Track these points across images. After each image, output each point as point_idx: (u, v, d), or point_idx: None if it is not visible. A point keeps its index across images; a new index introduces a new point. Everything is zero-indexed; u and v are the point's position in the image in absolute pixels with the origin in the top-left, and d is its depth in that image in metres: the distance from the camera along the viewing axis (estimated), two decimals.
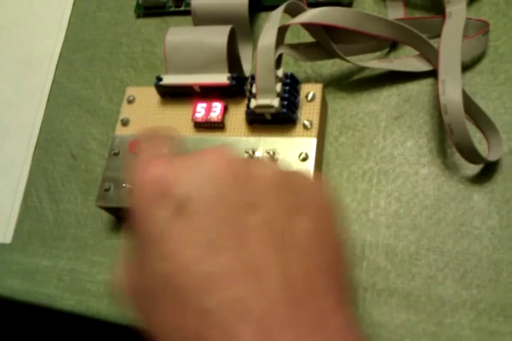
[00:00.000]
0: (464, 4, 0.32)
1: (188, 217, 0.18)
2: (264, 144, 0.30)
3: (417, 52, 0.32)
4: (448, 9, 0.32)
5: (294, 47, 0.32)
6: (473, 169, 0.29)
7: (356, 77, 0.34)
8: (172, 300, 0.18)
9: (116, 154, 0.32)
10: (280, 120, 0.30)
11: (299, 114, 0.30)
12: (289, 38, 0.34)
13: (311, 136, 0.30)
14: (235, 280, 0.17)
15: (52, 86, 0.41)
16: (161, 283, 0.18)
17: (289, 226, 0.19)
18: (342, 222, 0.22)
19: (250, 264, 0.18)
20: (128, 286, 0.20)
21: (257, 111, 0.29)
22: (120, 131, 0.33)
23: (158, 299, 0.18)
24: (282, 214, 0.19)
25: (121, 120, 0.33)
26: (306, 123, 0.30)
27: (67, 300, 0.32)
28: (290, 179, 0.20)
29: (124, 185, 0.31)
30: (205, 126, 0.32)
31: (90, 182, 0.36)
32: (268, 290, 0.17)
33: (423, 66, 0.32)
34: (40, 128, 0.39)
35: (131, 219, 0.20)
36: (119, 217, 0.33)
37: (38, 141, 0.39)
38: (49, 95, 0.40)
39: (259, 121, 0.31)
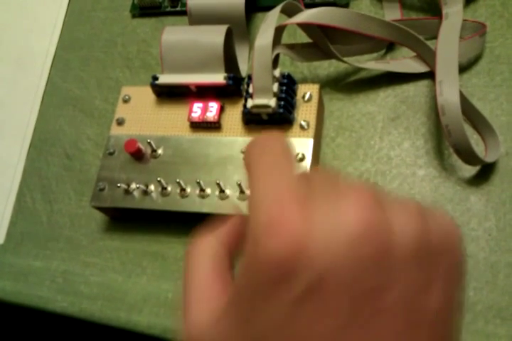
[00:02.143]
0: (460, 6, 0.32)
1: (319, 298, 0.15)
2: None
3: (414, 54, 0.32)
4: (445, 10, 0.32)
5: (291, 47, 0.32)
6: (470, 171, 0.29)
7: (353, 78, 0.33)
8: None
9: (111, 154, 0.32)
10: (277, 120, 0.30)
11: (295, 115, 0.30)
12: (285, 39, 0.33)
13: (307, 136, 0.29)
14: None
15: (46, 86, 0.40)
16: None
17: (421, 302, 0.16)
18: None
19: None
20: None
21: (254, 111, 0.29)
22: (115, 130, 0.33)
23: None
24: (417, 288, 0.16)
25: (117, 119, 0.33)
26: (303, 123, 0.30)
27: (60, 302, 0.32)
28: (431, 234, 0.16)
29: (118, 185, 0.30)
30: (201, 126, 0.31)
31: (85, 182, 0.35)
32: None
33: (420, 67, 0.32)
34: (35, 128, 0.39)
35: (248, 275, 0.16)
36: (114, 217, 0.33)
37: (32, 140, 0.38)
38: (43, 95, 0.40)
39: (256, 121, 0.30)
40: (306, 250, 0.15)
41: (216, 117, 0.31)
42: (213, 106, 0.31)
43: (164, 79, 0.32)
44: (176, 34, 0.32)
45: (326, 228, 0.15)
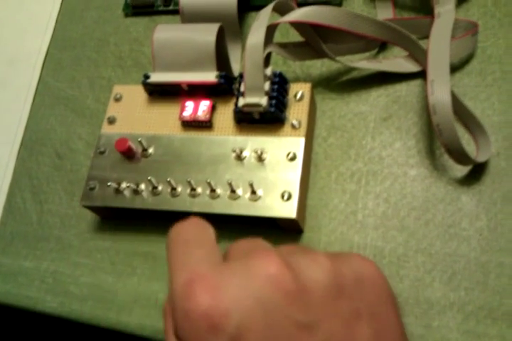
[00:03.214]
0: (452, 5, 0.32)
1: None
2: (252, 143, 0.30)
3: (406, 53, 0.32)
4: (437, 10, 0.32)
5: (283, 46, 0.32)
6: (461, 170, 0.29)
7: (345, 77, 0.33)
8: None
9: (102, 153, 0.32)
10: (268, 119, 0.30)
11: (287, 114, 0.30)
12: (278, 38, 0.33)
13: (299, 135, 0.29)
14: None
15: (38, 85, 0.40)
16: None
17: (349, 337, 0.17)
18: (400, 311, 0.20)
19: None
20: None
21: (246, 109, 0.29)
22: (106, 129, 0.33)
23: None
24: (340, 328, 0.17)
25: (108, 118, 0.33)
26: (295, 122, 0.29)
27: (50, 303, 0.32)
28: (343, 276, 0.19)
29: (108, 184, 0.30)
30: (192, 124, 0.31)
31: (75, 182, 0.35)
32: None
33: (412, 67, 0.32)
34: (25, 128, 0.39)
35: None
36: (104, 217, 0.33)
37: (22, 140, 0.38)
38: (35, 94, 0.40)
39: (247, 120, 0.30)
40: (216, 313, 0.16)
41: (208, 116, 0.31)
42: (205, 105, 0.31)
43: (156, 77, 0.32)
44: (167, 32, 0.32)
45: (233, 290, 0.17)
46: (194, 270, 0.18)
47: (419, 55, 0.31)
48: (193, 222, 0.21)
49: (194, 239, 0.20)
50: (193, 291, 0.17)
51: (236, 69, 0.35)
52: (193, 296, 0.17)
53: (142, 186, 0.30)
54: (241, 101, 0.29)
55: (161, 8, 0.39)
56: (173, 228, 0.21)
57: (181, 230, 0.21)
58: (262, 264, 0.18)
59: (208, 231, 0.21)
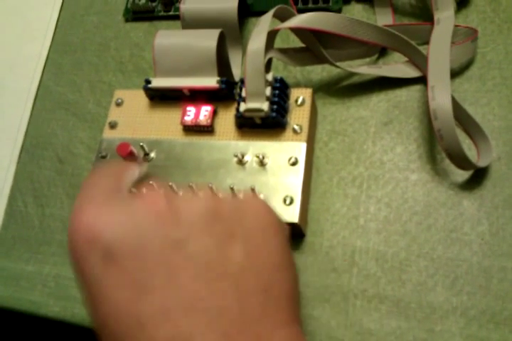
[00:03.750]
0: (452, 11, 0.32)
1: (115, 262, 0.19)
2: (254, 148, 0.30)
3: (406, 59, 0.32)
4: (436, 16, 0.32)
5: (284, 51, 0.32)
6: (462, 175, 0.29)
7: (346, 82, 0.33)
8: None
9: (103, 157, 0.32)
10: (270, 124, 0.30)
11: (288, 119, 0.30)
12: (278, 43, 0.34)
13: (300, 140, 0.29)
14: (167, 317, 0.18)
15: (38, 89, 0.40)
16: (101, 326, 0.19)
17: (220, 257, 0.19)
18: (286, 239, 0.22)
19: (182, 300, 0.18)
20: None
21: (247, 114, 0.29)
22: (108, 133, 0.33)
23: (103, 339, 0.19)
24: (211, 246, 0.19)
25: (109, 123, 0.33)
26: (296, 127, 0.30)
27: (52, 307, 0.32)
28: (221, 206, 0.21)
29: None
30: (194, 129, 0.31)
31: (77, 186, 0.35)
32: (201, 322, 0.17)
33: (412, 72, 0.32)
34: (26, 132, 0.39)
35: (71, 262, 0.21)
36: None
37: (23, 144, 0.38)
38: (35, 98, 0.40)
39: (249, 125, 0.30)
40: (95, 229, 0.20)
41: (209, 121, 0.31)
42: (206, 110, 0.31)
43: (157, 82, 0.32)
44: (168, 38, 0.32)
45: (115, 214, 0.20)
46: (94, 195, 0.22)
47: (419, 60, 0.32)
48: (116, 165, 0.26)
49: (108, 176, 0.24)
50: (82, 211, 0.21)
51: (237, 74, 0.35)
52: (80, 215, 0.20)
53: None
54: (242, 107, 0.29)
55: (162, 13, 0.40)
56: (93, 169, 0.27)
57: (102, 169, 0.25)
58: (144, 197, 0.21)
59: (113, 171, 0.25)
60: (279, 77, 0.30)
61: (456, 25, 0.31)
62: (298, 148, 0.29)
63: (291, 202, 0.28)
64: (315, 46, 0.32)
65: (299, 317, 0.21)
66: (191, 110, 0.31)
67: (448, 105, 0.27)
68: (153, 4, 0.40)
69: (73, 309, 0.31)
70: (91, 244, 0.19)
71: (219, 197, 0.22)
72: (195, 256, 0.19)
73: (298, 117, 0.30)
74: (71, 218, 0.21)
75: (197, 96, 0.32)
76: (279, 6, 0.31)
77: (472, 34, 0.31)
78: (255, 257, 0.20)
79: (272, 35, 0.31)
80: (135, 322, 0.18)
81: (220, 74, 0.31)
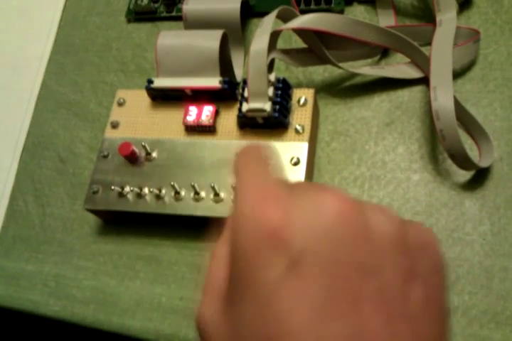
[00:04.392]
0: (454, 13, 0.32)
1: (301, 275, 0.16)
2: None
3: (408, 60, 0.32)
4: (438, 17, 0.32)
5: (286, 52, 0.32)
6: (464, 175, 0.29)
7: (348, 83, 0.34)
8: None
9: (105, 156, 0.32)
10: (272, 124, 0.30)
11: (290, 119, 0.30)
12: (281, 44, 0.34)
13: (302, 140, 0.29)
14: None
15: (41, 89, 0.40)
16: None
17: (404, 294, 0.17)
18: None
19: (361, 333, 0.16)
20: (210, 329, 0.18)
21: (249, 115, 0.29)
22: (110, 133, 0.33)
23: None
24: (398, 281, 0.17)
25: (111, 122, 0.33)
26: (298, 127, 0.30)
27: (52, 306, 0.32)
28: (408, 235, 0.18)
29: (112, 187, 0.30)
30: (196, 129, 0.31)
31: (78, 186, 0.35)
32: None
33: (414, 73, 0.32)
34: (28, 132, 0.39)
35: (234, 264, 0.17)
36: (107, 220, 0.33)
37: (25, 144, 0.38)
38: (37, 98, 0.40)
39: (251, 125, 0.30)
40: (284, 232, 0.16)
41: (211, 121, 0.31)
42: (208, 110, 0.31)
43: (159, 82, 0.32)
44: (171, 38, 0.32)
45: (304, 216, 0.16)
46: (267, 189, 0.17)
47: (421, 61, 0.32)
48: (264, 147, 0.20)
49: (265, 161, 0.19)
50: (265, 206, 0.16)
51: (239, 74, 0.35)
52: (264, 211, 0.16)
53: (145, 190, 0.30)
54: (245, 107, 0.29)
55: (164, 14, 0.40)
56: (243, 149, 0.20)
57: (253, 152, 0.20)
58: (334, 199, 0.17)
59: (279, 157, 0.21)
60: (281, 78, 0.30)
61: (458, 27, 0.31)
62: (300, 148, 0.29)
63: None
64: (317, 47, 0.32)
65: None
66: (193, 110, 0.31)
67: (450, 105, 0.27)
68: (156, 5, 0.40)
69: (73, 308, 0.31)
70: (278, 249, 0.16)
71: (404, 222, 0.18)
72: (382, 289, 0.16)
73: (300, 117, 0.30)
74: (250, 212, 0.17)
75: (199, 96, 0.32)
76: (282, 6, 0.31)
77: (474, 35, 0.31)
78: (433, 300, 0.18)
79: (274, 36, 0.31)
80: None
81: (222, 75, 0.31)
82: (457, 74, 0.31)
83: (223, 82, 0.31)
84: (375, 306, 0.16)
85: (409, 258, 0.17)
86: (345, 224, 0.16)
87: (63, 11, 0.43)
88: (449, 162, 0.29)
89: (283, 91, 0.30)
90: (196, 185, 0.29)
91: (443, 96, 0.28)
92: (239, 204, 0.17)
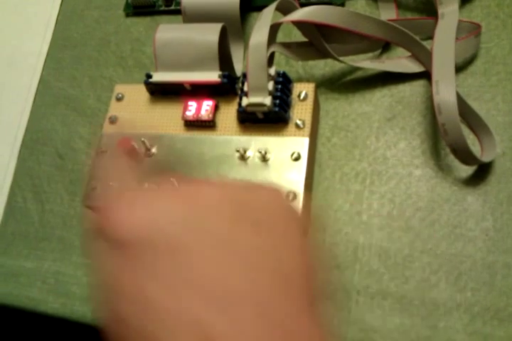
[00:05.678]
0: (456, 6, 0.32)
1: (125, 249, 0.19)
2: (256, 143, 0.30)
3: (409, 54, 0.32)
4: (440, 10, 0.32)
5: (286, 45, 0.32)
6: (466, 170, 0.28)
7: (348, 77, 0.33)
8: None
9: (103, 152, 0.32)
10: (272, 119, 0.29)
11: (291, 113, 0.30)
12: (281, 38, 0.33)
13: (303, 135, 0.29)
14: (176, 296, 0.18)
15: (39, 84, 0.40)
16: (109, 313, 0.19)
17: (232, 236, 0.19)
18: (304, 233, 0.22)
19: (191, 282, 0.18)
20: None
21: (249, 109, 0.29)
22: (108, 128, 0.33)
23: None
24: (224, 227, 0.19)
25: (110, 118, 0.33)
26: (299, 122, 0.29)
27: (52, 303, 0.31)
28: (238, 194, 0.21)
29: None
30: (195, 124, 0.31)
31: (77, 182, 0.35)
32: (210, 305, 0.17)
33: (415, 67, 0.32)
34: (27, 128, 0.38)
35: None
36: None
37: (23, 140, 0.38)
38: (36, 94, 0.39)
39: (251, 120, 0.30)
40: (124, 223, 0.19)
41: (211, 116, 0.30)
42: (208, 105, 0.31)
43: (158, 77, 0.32)
44: (169, 32, 0.32)
45: (139, 214, 0.19)
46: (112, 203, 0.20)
47: (422, 55, 0.31)
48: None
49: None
50: (107, 216, 0.20)
51: (238, 69, 0.34)
52: (105, 219, 0.19)
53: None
54: (245, 101, 0.29)
55: (163, 8, 0.39)
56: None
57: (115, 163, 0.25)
58: (163, 201, 0.20)
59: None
60: (281, 72, 0.29)
61: (459, 20, 0.31)
62: (300, 143, 0.29)
63: (294, 197, 0.28)
64: (318, 40, 0.31)
65: (315, 308, 0.20)
66: (193, 105, 0.31)
67: (452, 99, 0.27)
68: None
69: (73, 306, 0.31)
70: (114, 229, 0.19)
71: (235, 184, 0.22)
72: (207, 236, 0.19)
73: (300, 112, 0.30)
74: (107, 219, 0.20)
75: (198, 90, 0.31)
76: None
77: (476, 29, 0.31)
78: (267, 237, 0.20)
79: (274, 29, 0.30)
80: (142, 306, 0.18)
81: (221, 69, 0.31)
82: (459, 69, 0.31)
83: (223, 76, 0.30)
84: (202, 254, 0.18)
85: (234, 206, 0.20)
86: (169, 198, 0.20)
87: (61, 5, 0.43)
88: (451, 157, 0.28)
89: (283, 86, 0.29)
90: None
91: (445, 90, 0.27)
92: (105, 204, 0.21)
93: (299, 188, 0.28)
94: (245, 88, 0.29)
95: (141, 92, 0.33)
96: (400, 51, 0.33)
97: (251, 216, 0.20)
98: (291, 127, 0.30)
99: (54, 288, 0.32)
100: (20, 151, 0.37)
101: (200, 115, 0.30)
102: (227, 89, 0.31)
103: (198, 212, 0.20)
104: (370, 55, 0.33)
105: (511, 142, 0.28)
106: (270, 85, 0.29)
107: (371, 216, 0.29)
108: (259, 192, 0.22)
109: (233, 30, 0.34)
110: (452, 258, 0.27)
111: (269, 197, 0.22)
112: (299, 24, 0.31)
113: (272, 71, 0.29)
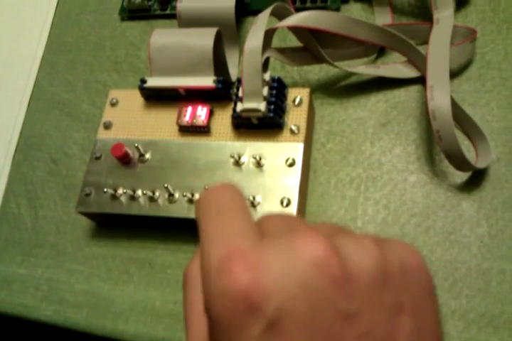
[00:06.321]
0: (451, 11, 0.32)
1: (280, 335, 0.15)
2: (251, 149, 0.29)
3: (405, 59, 0.32)
4: (435, 16, 0.32)
5: (281, 51, 0.32)
6: (461, 176, 0.28)
7: (343, 83, 0.33)
8: None
9: (98, 158, 0.31)
10: (267, 124, 0.29)
11: (286, 119, 0.30)
12: (276, 43, 0.33)
13: (298, 141, 0.29)
14: None
15: (33, 89, 0.40)
16: None
17: (391, 331, 0.16)
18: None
19: None
20: None
21: (244, 115, 0.29)
22: (102, 134, 0.32)
23: None
24: (383, 320, 0.16)
25: (104, 123, 0.33)
26: (293, 128, 0.29)
27: (45, 311, 0.31)
28: (388, 263, 0.17)
29: (105, 190, 0.30)
30: (190, 130, 0.31)
31: (71, 188, 0.35)
32: None
33: (410, 72, 0.32)
34: (20, 133, 0.38)
35: (210, 327, 0.16)
36: (100, 223, 0.32)
37: (17, 145, 0.38)
38: (30, 99, 0.39)
39: (246, 126, 0.30)
40: (257, 294, 0.15)
41: (205, 121, 0.30)
42: (202, 110, 0.30)
43: (153, 82, 0.31)
44: (164, 36, 0.32)
45: (276, 270, 0.15)
46: (232, 244, 0.16)
47: (417, 60, 0.31)
48: (226, 188, 0.19)
49: (228, 207, 0.18)
50: (231, 267, 0.16)
51: (234, 74, 0.34)
52: (231, 273, 0.15)
53: (139, 192, 0.30)
54: (239, 107, 0.29)
55: (158, 12, 0.39)
56: (203, 194, 0.19)
57: (213, 197, 0.19)
58: (308, 245, 0.16)
59: (242, 198, 0.19)
60: (276, 77, 0.29)
61: (455, 26, 0.31)
62: (295, 149, 0.29)
63: (289, 203, 0.27)
64: (313, 45, 0.31)
65: None
66: (187, 110, 0.31)
67: (447, 105, 0.27)
68: (150, 3, 0.39)
69: (66, 313, 0.31)
70: (253, 313, 0.15)
71: (383, 251, 0.17)
72: (366, 332, 0.16)
73: (295, 117, 0.30)
74: (216, 274, 0.16)
75: (193, 96, 0.31)
76: (277, 3, 0.30)
77: (471, 34, 0.31)
78: (423, 329, 0.17)
79: (269, 34, 0.30)
80: None
81: (216, 74, 0.31)
82: (454, 74, 0.31)
83: (217, 82, 0.30)
84: None
85: (392, 290, 0.17)
86: (320, 272, 0.16)
87: (56, 9, 0.43)
88: (446, 163, 0.28)
89: (278, 91, 0.29)
90: (190, 187, 0.29)
91: (440, 95, 0.27)
92: (204, 263, 0.17)
93: (294, 194, 0.28)
94: (240, 93, 0.29)
95: (136, 97, 0.33)
96: (395, 56, 0.33)
97: (404, 301, 0.17)
98: (285, 133, 0.29)
99: (47, 294, 0.32)
100: (14, 157, 0.37)
101: (194, 120, 0.30)
102: (222, 94, 0.31)
103: (357, 296, 0.16)
104: (365, 60, 0.33)
105: (506, 148, 0.28)
106: (265, 90, 0.29)
107: (366, 222, 0.28)
108: (407, 263, 0.17)
109: (229, 34, 0.34)
110: (447, 265, 0.26)
111: (418, 270, 0.18)
112: (294, 29, 0.31)
113: (267, 76, 0.29)
